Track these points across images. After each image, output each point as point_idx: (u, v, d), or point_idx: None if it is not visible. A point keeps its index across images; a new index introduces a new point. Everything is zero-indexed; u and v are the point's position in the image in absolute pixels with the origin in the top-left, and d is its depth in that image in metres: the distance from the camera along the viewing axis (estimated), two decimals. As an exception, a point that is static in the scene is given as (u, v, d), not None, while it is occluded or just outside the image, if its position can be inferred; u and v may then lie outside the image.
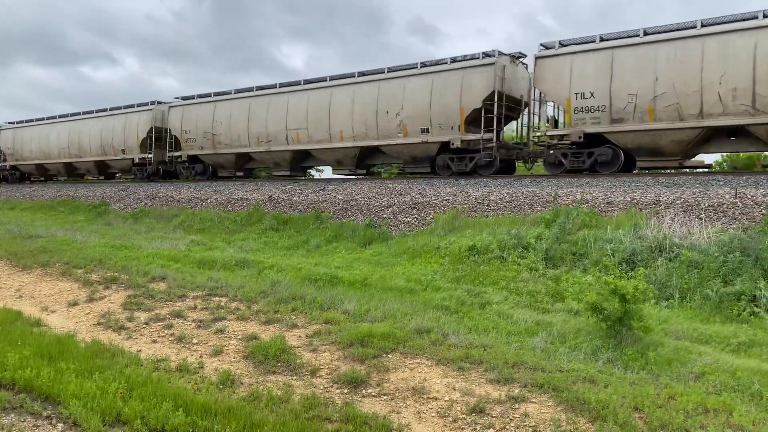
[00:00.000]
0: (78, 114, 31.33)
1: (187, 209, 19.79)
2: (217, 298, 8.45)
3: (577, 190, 13.27)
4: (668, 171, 15.07)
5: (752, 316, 7.43)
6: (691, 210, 10.88)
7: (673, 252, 9.22)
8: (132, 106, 28.08)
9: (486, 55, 17.02)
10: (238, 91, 23.63)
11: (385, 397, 5.19)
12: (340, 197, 17.03)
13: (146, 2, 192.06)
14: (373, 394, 5.24)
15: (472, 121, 17.13)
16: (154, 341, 6.85)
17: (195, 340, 6.78)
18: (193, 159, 25.44)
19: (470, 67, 17.13)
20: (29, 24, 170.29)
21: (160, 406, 4.63)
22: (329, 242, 14.02)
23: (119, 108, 28.81)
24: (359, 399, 5.14)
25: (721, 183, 12.13)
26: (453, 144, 17.29)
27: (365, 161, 20.76)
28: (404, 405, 5.02)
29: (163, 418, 4.50)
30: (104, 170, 30.65)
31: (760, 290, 7.74)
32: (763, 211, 10.20)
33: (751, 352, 6.29)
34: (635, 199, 11.95)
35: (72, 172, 32.79)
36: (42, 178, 35.80)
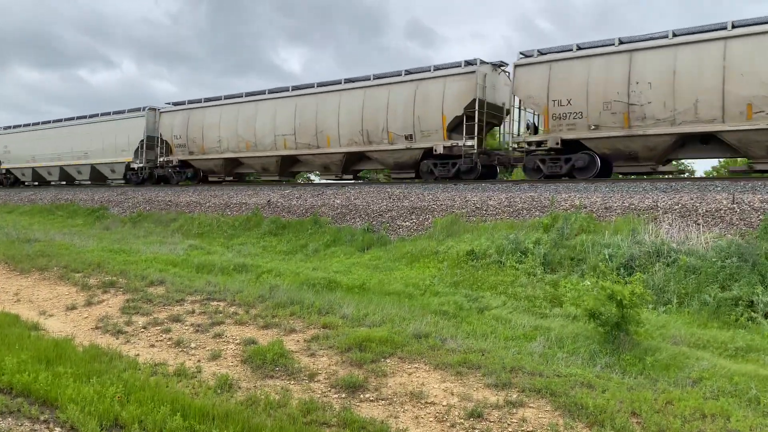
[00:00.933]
0: (311, 86, 21.00)
1: (186, 213, 19.77)
2: (215, 303, 8.45)
3: (575, 195, 13.29)
4: (666, 176, 15.09)
5: (750, 322, 7.45)
6: (689, 215, 10.90)
7: (670, 257, 9.24)
8: (427, 69, 18.35)
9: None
10: (684, 33, 13.59)
11: (383, 401, 5.19)
12: (338, 202, 17.03)
13: (144, 3, 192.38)
14: (371, 398, 5.25)
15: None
16: (152, 345, 6.85)
17: (193, 345, 6.78)
18: (570, 146, 15.58)
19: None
20: (24, 25, 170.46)
21: (158, 411, 4.63)
22: (327, 247, 14.03)
23: (397, 74, 18.91)
24: (357, 404, 5.14)
25: (719, 188, 12.16)
26: None
27: None
28: (402, 410, 5.02)
29: (160, 423, 4.50)
30: (351, 165, 20.80)
31: (758, 296, 7.76)
32: (761, 216, 10.22)
33: (748, 357, 6.31)
34: (633, 204, 11.97)
35: (286, 170, 22.29)
36: (228, 178, 24.37)
